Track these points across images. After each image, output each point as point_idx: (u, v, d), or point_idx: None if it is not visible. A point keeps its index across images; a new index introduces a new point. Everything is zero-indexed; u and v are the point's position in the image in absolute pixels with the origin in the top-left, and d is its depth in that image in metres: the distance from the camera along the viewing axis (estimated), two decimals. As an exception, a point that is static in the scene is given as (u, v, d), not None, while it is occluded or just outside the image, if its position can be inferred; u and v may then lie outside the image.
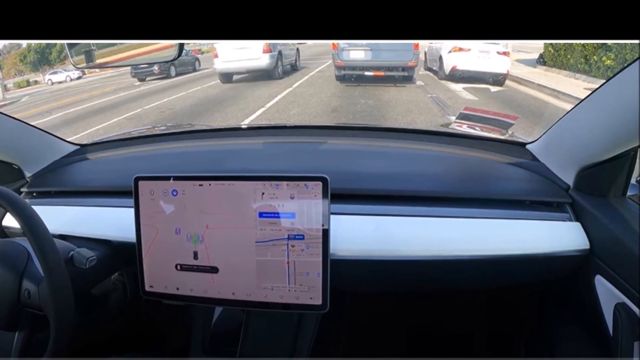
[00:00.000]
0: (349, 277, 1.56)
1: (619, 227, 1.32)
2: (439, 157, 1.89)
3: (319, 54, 26.28)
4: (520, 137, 2.00)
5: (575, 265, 1.48)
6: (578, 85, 13.50)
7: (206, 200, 1.42)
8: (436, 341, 2.33)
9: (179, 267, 1.47)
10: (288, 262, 1.39)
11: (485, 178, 1.74)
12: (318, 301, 1.41)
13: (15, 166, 1.92)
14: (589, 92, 1.32)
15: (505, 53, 14.41)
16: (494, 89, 13.88)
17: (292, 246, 1.38)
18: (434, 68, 16.80)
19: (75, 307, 1.33)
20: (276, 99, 12.90)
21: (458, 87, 13.95)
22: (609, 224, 1.36)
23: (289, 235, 1.38)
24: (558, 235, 1.48)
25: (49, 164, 2.01)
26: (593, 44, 13.91)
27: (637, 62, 1.06)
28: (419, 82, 14.97)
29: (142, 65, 20.25)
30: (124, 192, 1.68)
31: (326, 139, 2.13)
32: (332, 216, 1.37)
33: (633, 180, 1.46)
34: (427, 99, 12.27)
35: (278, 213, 1.38)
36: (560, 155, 1.59)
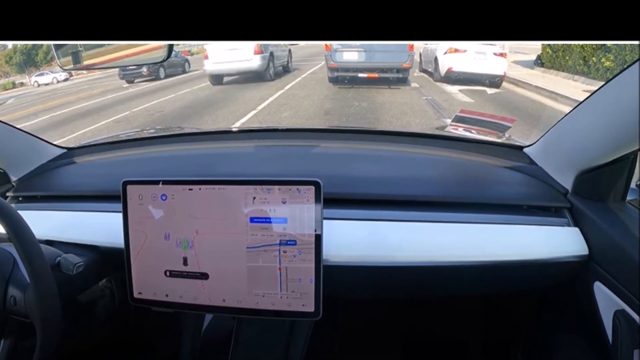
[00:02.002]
0: (342, 283, 1.56)
1: (618, 232, 1.33)
2: (434, 160, 1.88)
3: (312, 56, 26.32)
4: (518, 141, 2.00)
5: (573, 272, 1.49)
6: (576, 87, 13.55)
7: (196, 205, 1.41)
8: (432, 349, 2.33)
9: (168, 273, 1.46)
10: (280, 268, 1.39)
11: (482, 182, 1.74)
12: (310, 308, 1.41)
13: (0, 170, 1.91)
14: (588, 94, 1.33)
15: (502, 54, 14.45)
16: (490, 91, 13.92)
17: (284, 252, 1.38)
18: (429, 70, 16.84)
19: (62, 314, 1.33)
20: (268, 102, 12.91)
21: (454, 89, 13.99)
22: (608, 230, 1.36)
23: (280, 240, 1.38)
24: (556, 241, 1.48)
25: (35, 168, 2.00)
26: (592, 45, 13.97)
27: (637, 63, 1.07)
28: (413, 84, 15.00)
29: (130, 67, 20.27)
30: (112, 196, 1.67)
31: (319, 142, 2.13)
32: (325, 221, 1.37)
33: (633, 185, 1.47)
34: (422, 101, 12.29)
35: (269, 218, 1.38)
36: (559, 158, 1.59)
